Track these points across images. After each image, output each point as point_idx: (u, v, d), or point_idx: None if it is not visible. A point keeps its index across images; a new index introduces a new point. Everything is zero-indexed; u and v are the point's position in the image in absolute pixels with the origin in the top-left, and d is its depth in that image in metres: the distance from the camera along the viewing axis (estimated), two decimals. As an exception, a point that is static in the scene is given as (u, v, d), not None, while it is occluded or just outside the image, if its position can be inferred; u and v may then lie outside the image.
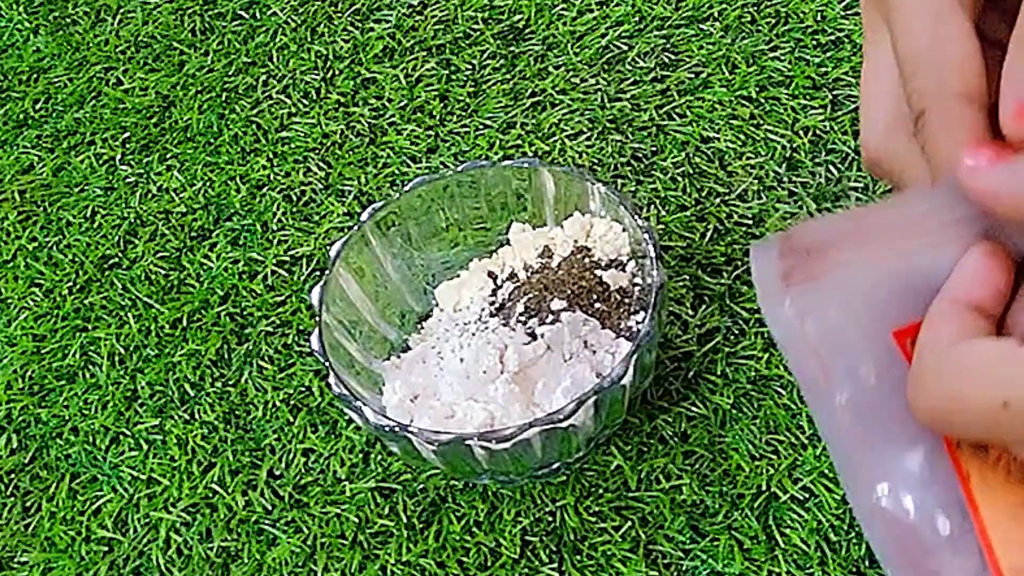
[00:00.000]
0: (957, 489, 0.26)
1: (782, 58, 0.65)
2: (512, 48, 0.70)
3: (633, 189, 0.61)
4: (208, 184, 0.68)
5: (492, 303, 0.54)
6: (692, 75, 0.66)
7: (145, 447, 0.57)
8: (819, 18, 0.67)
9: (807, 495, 0.49)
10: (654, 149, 0.63)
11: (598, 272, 0.53)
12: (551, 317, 0.51)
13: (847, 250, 0.27)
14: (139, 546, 0.53)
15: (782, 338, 0.27)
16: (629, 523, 0.50)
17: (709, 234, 0.59)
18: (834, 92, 0.63)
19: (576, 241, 0.55)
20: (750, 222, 0.59)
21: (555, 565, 0.49)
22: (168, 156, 0.70)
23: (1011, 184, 0.26)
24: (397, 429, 0.45)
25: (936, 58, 0.29)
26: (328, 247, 0.60)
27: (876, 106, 0.33)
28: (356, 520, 0.52)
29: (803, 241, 0.27)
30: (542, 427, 0.44)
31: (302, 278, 0.62)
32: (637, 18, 0.70)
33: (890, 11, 0.31)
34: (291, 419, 0.56)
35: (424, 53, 0.71)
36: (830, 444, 0.28)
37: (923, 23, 0.29)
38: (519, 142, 0.65)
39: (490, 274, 0.55)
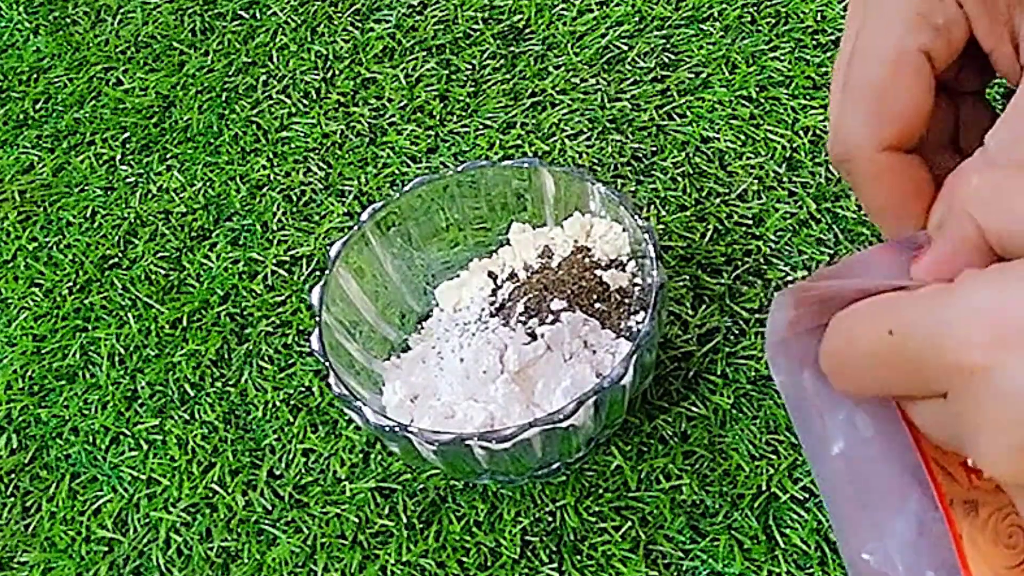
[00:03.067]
0: (950, 549, 0.26)
1: (782, 58, 0.65)
2: (512, 48, 0.70)
3: (633, 189, 0.61)
4: (208, 184, 0.68)
5: (492, 303, 0.54)
6: (692, 75, 0.66)
7: (145, 447, 0.57)
8: (819, 18, 0.67)
9: (807, 495, 0.49)
10: (654, 149, 0.63)
11: (598, 272, 0.53)
12: (551, 317, 0.51)
13: (852, 300, 0.27)
14: (139, 546, 0.53)
15: (782, 386, 0.27)
16: (629, 523, 0.50)
17: (709, 234, 0.59)
18: (834, 92, 0.63)
19: (576, 241, 0.55)
20: (750, 222, 0.59)
21: (555, 565, 0.49)
22: (168, 156, 0.70)
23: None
24: (397, 429, 0.45)
25: (878, 103, 0.28)
26: (328, 247, 0.60)
27: (854, 102, 0.31)
28: (356, 520, 0.52)
29: (818, 290, 0.27)
30: (542, 427, 0.44)
31: (302, 278, 0.62)
32: (637, 18, 0.70)
33: (865, 18, 0.30)
34: (291, 419, 0.56)
35: (424, 53, 0.71)
36: (824, 495, 0.28)
37: (880, 56, 0.28)
38: (519, 142, 0.65)
39: (490, 274, 0.55)
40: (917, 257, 0.26)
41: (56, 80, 0.76)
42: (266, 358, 0.59)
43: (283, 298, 0.61)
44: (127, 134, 0.72)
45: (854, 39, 0.31)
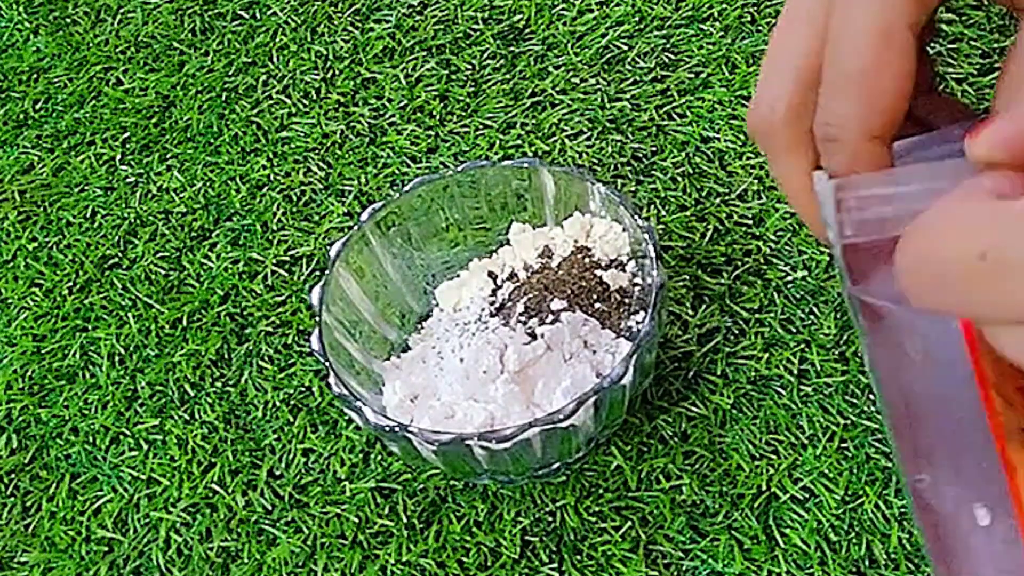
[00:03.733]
0: (1003, 483, 0.26)
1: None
2: (512, 48, 0.70)
3: (633, 189, 0.61)
4: (208, 184, 0.68)
5: (492, 303, 0.54)
6: (692, 75, 0.66)
7: (145, 447, 0.57)
8: (819, 18, 0.67)
9: (807, 495, 0.49)
10: (654, 149, 0.63)
11: (598, 272, 0.53)
12: (551, 317, 0.51)
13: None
14: (139, 546, 0.53)
15: (851, 294, 0.26)
16: (629, 523, 0.50)
17: (709, 234, 0.59)
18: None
19: (576, 241, 0.55)
20: (750, 222, 0.59)
21: (555, 565, 0.49)
22: (168, 156, 0.70)
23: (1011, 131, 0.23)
24: (397, 429, 0.45)
25: (869, 89, 0.26)
26: (328, 247, 0.60)
27: (779, 80, 0.30)
28: (356, 520, 0.52)
29: (876, 201, 0.25)
30: (542, 427, 0.44)
31: (302, 278, 0.62)
32: (637, 18, 0.70)
33: (833, 4, 0.28)
34: (291, 419, 0.56)
35: (424, 53, 0.71)
36: (883, 413, 0.27)
37: (868, 38, 0.26)
38: (519, 142, 0.65)
39: (490, 274, 0.55)
40: (974, 133, 0.24)
41: (56, 80, 0.76)
42: (266, 358, 0.59)
43: (283, 298, 0.61)
44: (127, 134, 0.72)
45: (800, 14, 0.29)
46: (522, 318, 0.51)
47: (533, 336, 0.50)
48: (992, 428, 0.26)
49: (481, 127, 0.66)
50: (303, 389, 0.57)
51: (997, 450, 0.26)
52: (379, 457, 0.54)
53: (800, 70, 0.29)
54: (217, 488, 0.54)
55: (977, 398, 0.25)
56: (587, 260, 0.53)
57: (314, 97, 0.71)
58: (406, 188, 0.53)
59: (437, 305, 0.56)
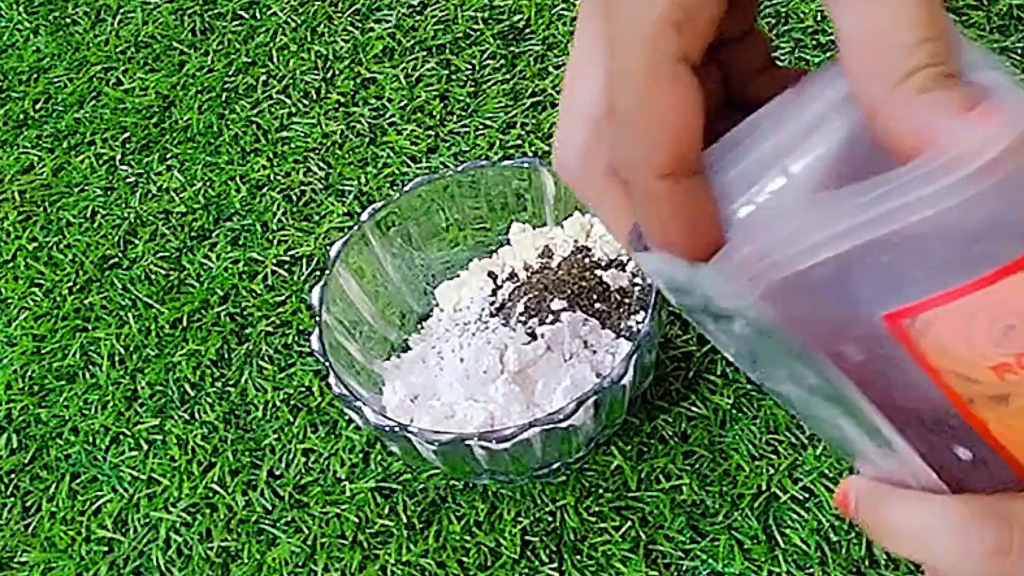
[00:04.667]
0: (975, 435, 0.26)
1: (782, 58, 0.65)
2: (512, 48, 0.70)
3: (633, 189, 0.61)
4: (208, 184, 0.68)
5: (492, 303, 0.54)
6: (692, 75, 0.66)
7: (145, 447, 0.57)
8: (819, 18, 0.67)
9: (807, 495, 0.49)
10: (654, 149, 0.63)
11: (598, 272, 0.53)
12: (551, 317, 0.51)
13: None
14: (139, 546, 0.53)
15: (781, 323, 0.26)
16: (629, 523, 0.50)
17: (709, 234, 0.59)
18: (834, 92, 0.63)
19: (576, 241, 0.55)
20: (750, 222, 0.59)
21: (555, 565, 0.49)
22: (168, 156, 0.70)
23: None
24: (397, 429, 0.45)
25: (645, 128, 0.25)
26: (328, 247, 0.60)
27: (571, 125, 0.29)
28: (356, 520, 0.52)
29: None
30: (542, 427, 0.44)
31: (302, 278, 0.62)
32: (637, 18, 0.69)
33: (610, 27, 0.27)
34: (291, 419, 0.56)
35: (424, 53, 0.71)
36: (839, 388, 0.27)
37: (636, 78, 0.25)
38: (519, 142, 0.65)
39: (490, 274, 0.55)
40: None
41: (56, 80, 0.76)
42: (266, 358, 0.59)
43: (283, 298, 0.61)
44: (127, 134, 0.72)
45: (585, 59, 0.29)
46: (522, 318, 0.51)
47: (533, 336, 0.50)
48: (951, 399, 0.26)
49: (481, 127, 0.66)
50: (303, 389, 0.57)
51: (961, 414, 0.26)
52: (379, 457, 0.54)
53: (589, 115, 0.28)
54: (217, 488, 0.54)
55: (927, 380, 0.26)
56: (587, 260, 0.53)
57: (314, 97, 0.71)
58: (406, 188, 0.53)
59: (437, 305, 0.56)
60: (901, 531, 0.28)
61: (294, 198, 0.66)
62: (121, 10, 0.80)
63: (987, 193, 0.22)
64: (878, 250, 0.24)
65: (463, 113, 0.67)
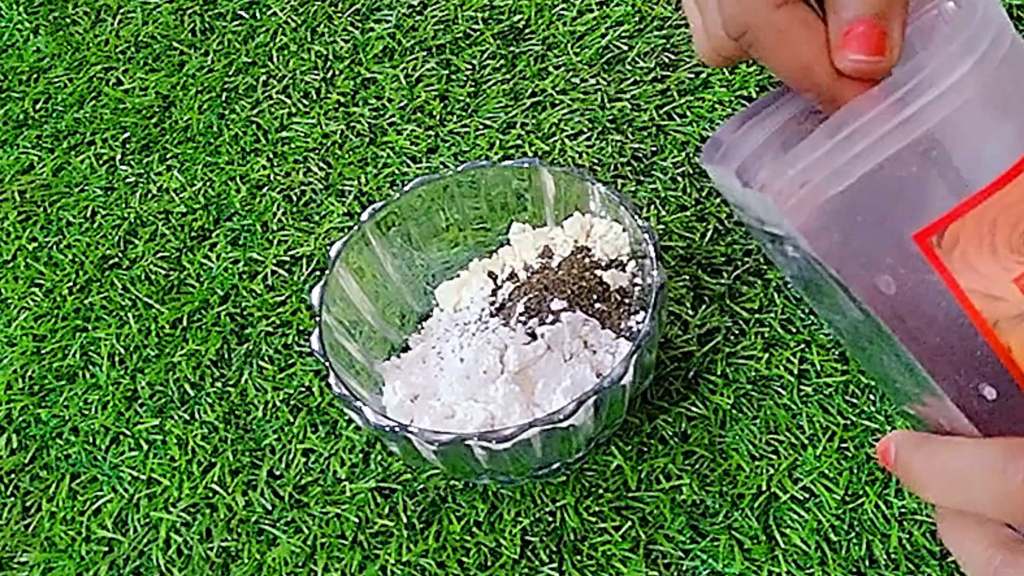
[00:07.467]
0: (999, 365, 0.27)
1: None
2: (512, 48, 0.70)
3: (633, 189, 0.61)
4: (208, 184, 0.68)
5: (492, 303, 0.54)
6: (692, 75, 0.66)
7: (145, 447, 0.57)
8: None
9: (807, 495, 0.49)
10: (654, 149, 0.63)
11: (598, 272, 0.53)
12: (551, 317, 0.51)
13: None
14: (139, 546, 0.53)
15: (817, 248, 0.27)
16: (629, 523, 0.50)
17: (709, 234, 0.59)
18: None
19: (576, 241, 0.55)
20: (750, 222, 0.59)
21: (555, 565, 0.49)
22: (168, 156, 0.70)
23: None
24: (397, 429, 0.45)
25: None
26: (328, 247, 0.60)
27: None
28: (356, 520, 0.52)
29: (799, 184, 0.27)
30: (542, 427, 0.44)
31: (302, 278, 0.62)
32: (637, 18, 0.70)
33: None
34: (291, 419, 0.56)
35: (424, 53, 0.71)
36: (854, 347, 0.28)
37: None
38: (519, 142, 0.65)
39: (490, 274, 0.55)
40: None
41: (56, 80, 0.76)
42: (266, 358, 0.59)
43: (283, 298, 0.61)
44: (127, 134, 0.72)
45: None
46: (522, 318, 0.51)
47: (533, 336, 0.50)
48: (977, 324, 0.27)
49: (481, 127, 0.66)
50: (303, 389, 0.57)
51: (988, 342, 0.27)
52: (379, 457, 0.54)
53: None
54: (217, 488, 0.54)
55: (956, 307, 0.27)
56: (587, 260, 0.53)
57: (314, 97, 0.71)
58: (406, 188, 0.53)
59: (437, 305, 0.56)
60: (939, 475, 0.29)
61: (294, 198, 0.66)
62: (121, 10, 0.80)
63: (995, 79, 0.25)
64: (905, 161, 0.26)
65: (463, 113, 0.67)
